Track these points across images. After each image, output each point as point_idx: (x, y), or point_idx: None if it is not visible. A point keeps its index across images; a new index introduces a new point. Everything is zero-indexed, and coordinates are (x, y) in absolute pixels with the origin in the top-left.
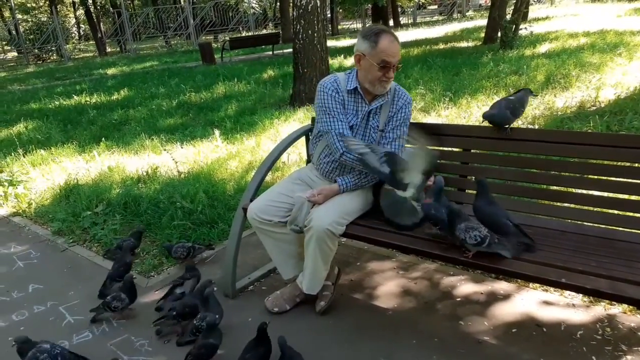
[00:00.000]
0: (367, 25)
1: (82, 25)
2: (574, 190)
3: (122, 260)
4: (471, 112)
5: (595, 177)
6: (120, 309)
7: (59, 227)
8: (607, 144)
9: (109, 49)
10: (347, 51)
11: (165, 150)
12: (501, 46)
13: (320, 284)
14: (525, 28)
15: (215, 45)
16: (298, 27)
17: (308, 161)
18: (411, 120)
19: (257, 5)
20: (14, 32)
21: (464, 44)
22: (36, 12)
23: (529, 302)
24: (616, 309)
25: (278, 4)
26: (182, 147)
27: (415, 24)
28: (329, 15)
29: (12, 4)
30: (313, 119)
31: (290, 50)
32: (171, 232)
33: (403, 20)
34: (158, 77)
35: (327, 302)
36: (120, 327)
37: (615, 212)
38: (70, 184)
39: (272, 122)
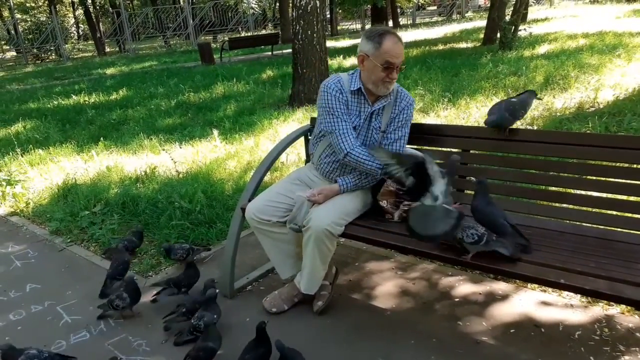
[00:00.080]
0: (370, 26)
1: (81, 25)
2: (572, 191)
3: (121, 259)
4: (470, 112)
5: (594, 178)
6: (122, 307)
7: (56, 227)
8: (605, 145)
9: (108, 49)
10: (347, 52)
11: (163, 150)
12: (500, 47)
13: (318, 284)
14: (525, 29)
15: (215, 46)
16: (297, 28)
17: (307, 161)
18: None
19: (256, 6)
20: (12, 31)
21: (463, 45)
22: (35, 11)
23: (528, 302)
24: (614, 310)
25: (277, 4)
26: (180, 147)
27: (414, 25)
28: (328, 16)
29: (11, 4)
30: (312, 119)
31: (290, 50)
32: (169, 232)
33: (402, 21)
34: (157, 77)
35: (324, 302)
36: (118, 327)
37: (614, 213)
38: (69, 183)
39: (271, 123)
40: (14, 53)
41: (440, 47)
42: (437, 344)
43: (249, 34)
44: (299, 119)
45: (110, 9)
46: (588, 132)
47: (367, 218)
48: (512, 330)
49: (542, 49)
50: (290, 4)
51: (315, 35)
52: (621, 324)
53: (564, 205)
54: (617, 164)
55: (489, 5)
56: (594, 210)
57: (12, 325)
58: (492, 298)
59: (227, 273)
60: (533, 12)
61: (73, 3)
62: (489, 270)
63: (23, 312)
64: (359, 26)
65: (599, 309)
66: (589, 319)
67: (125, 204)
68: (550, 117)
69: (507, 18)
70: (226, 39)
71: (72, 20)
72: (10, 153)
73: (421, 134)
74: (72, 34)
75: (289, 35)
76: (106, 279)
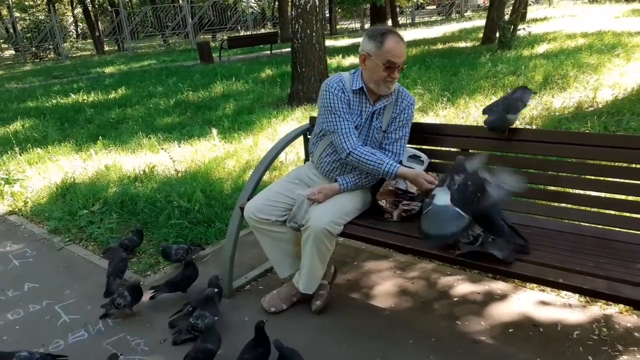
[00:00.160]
0: (371, 26)
1: (80, 24)
2: (571, 190)
3: (119, 257)
4: (469, 112)
5: (593, 177)
6: (123, 306)
7: (55, 226)
8: (604, 144)
9: (106, 48)
10: (346, 51)
11: (162, 149)
12: (499, 46)
13: (317, 283)
14: (524, 29)
15: (214, 45)
16: (296, 27)
17: (306, 160)
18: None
19: (255, 5)
20: (11, 30)
21: (462, 44)
22: (34, 10)
23: (526, 302)
24: (612, 309)
25: (276, 3)
26: (179, 146)
27: (413, 24)
28: (327, 15)
29: (10, 2)
30: (311, 119)
31: (289, 49)
32: (168, 231)
33: (401, 20)
34: (156, 76)
35: (323, 302)
36: (116, 327)
37: (613, 212)
38: (67, 182)
39: (270, 122)
40: (13, 52)
41: (439, 46)
42: (436, 343)
43: (248, 33)
44: (298, 118)
45: (109, 7)
46: (587, 131)
47: (366, 217)
48: (510, 330)
49: (541, 48)
50: (290, 3)
51: (314, 34)
52: (619, 324)
53: (563, 204)
54: (616, 164)
55: (488, 4)
56: (592, 209)
57: (10, 325)
58: (491, 298)
59: (226, 272)
60: (532, 11)
61: (72, 1)
62: (488, 270)
63: (21, 312)
64: (358, 25)
65: (598, 309)
66: (588, 318)
67: (123, 203)
68: (549, 117)
69: (506, 17)
70: (225, 37)
71: (71, 19)
72: (9, 152)
73: (420, 133)
74: (71, 33)
75: (288, 34)
76: (108, 278)
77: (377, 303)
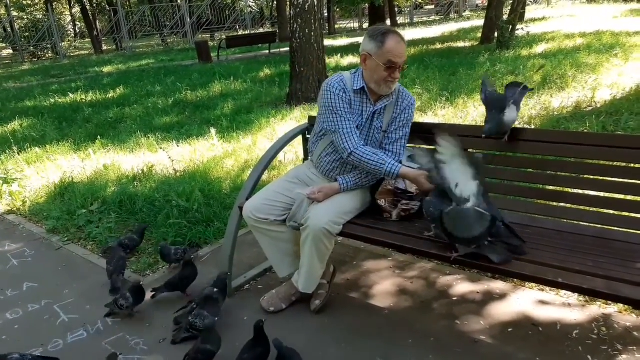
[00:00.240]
0: (370, 25)
1: (78, 23)
2: (570, 190)
3: (118, 255)
4: (468, 112)
5: (592, 177)
6: (126, 307)
7: (53, 225)
8: (603, 144)
9: (105, 47)
10: (344, 50)
11: (161, 148)
12: (498, 46)
13: (316, 282)
14: (522, 28)
15: (212, 44)
16: (295, 26)
17: (305, 159)
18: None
19: (254, 4)
20: (9, 29)
21: (460, 44)
22: (32, 9)
23: (525, 301)
24: (612, 309)
25: (275, 2)
26: (178, 146)
27: (412, 24)
28: (326, 15)
29: (8, 1)
30: (310, 118)
31: (287, 49)
32: (167, 231)
33: (400, 20)
34: (154, 75)
35: (322, 301)
36: (115, 326)
37: (612, 212)
38: (66, 182)
39: (268, 121)
40: (11, 51)
41: (438, 46)
42: (435, 343)
43: (247, 32)
44: (297, 117)
45: (107, 6)
46: (585, 131)
47: (365, 217)
48: (510, 329)
49: (539, 48)
50: (288, 3)
51: (313, 33)
52: (619, 323)
53: (562, 204)
54: (615, 163)
55: (486, 4)
56: (591, 209)
57: (9, 324)
58: (490, 297)
59: (225, 272)
60: (530, 11)
61: (70, 1)
62: (487, 270)
63: (20, 311)
64: (356, 25)
65: (597, 308)
66: (587, 318)
67: (122, 202)
68: (548, 117)
69: (505, 17)
70: (223, 37)
71: (69, 18)
72: (7, 151)
73: (419, 132)
74: (69, 32)
75: (287, 33)
76: (112, 276)
77: (376, 302)
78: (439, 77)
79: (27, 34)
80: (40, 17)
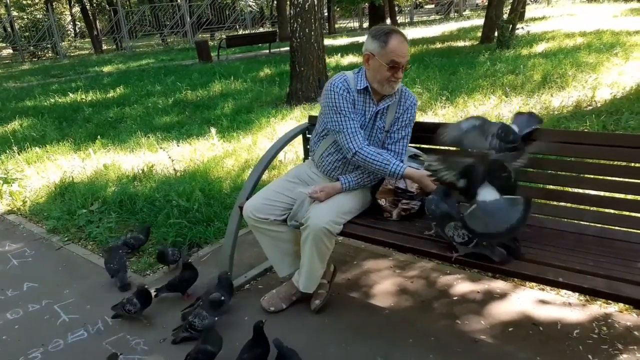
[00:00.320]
0: (372, 25)
1: (78, 23)
2: (570, 189)
3: (117, 254)
4: (468, 111)
5: (592, 176)
6: (134, 312)
7: (54, 225)
8: (603, 143)
9: (105, 47)
10: (344, 50)
11: (161, 148)
12: (498, 46)
13: (317, 282)
14: (522, 28)
15: (212, 44)
16: (295, 26)
17: (305, 158)
18: None
19: (254, 4)
20: (9, 29)
21: (460, 44)
22: (32, 9)
23: (526, 301)
24: (612, 308)
25: (275, 2)
26: (178, 145)
27: (412, 23)
28: (326, 14)
29: (8, 1)
30: (310, 117)
31: (287, 48)
32: (167, 231)
33: (400, 19)
34: (154, 75)
35: (322, 301)
36: (116, 326)
37: (612, 211)
38: (66, 181)
39: (268, 121)
40: (11, 51)
41: (438, 45)
42: (436, 342)
43: (247, 32)
44: (297, 117)
45: (107, 6)
46: (586, 130)
47: (366, 216)
48: (510, 329)
49: (539, 47)
50: (288, 2)
51: (313, 33)
52: (619, 322)
53: (562, 203)
54: (615, 163)
55: (486, 3)
56: (592, 208)
57: (9, 324)
58: (491, 296)
59: (225, 272)
60: (530, 10)
61: (70, 0)
62: (488, 269)
63: (20, 311)
64: (356, 24)
65: (597, 308)
66: (587, 317)
67: (122, 202)
68: (548, 116)
69: (505, 16)
70: (223, 36)
71: (69, 18)
72: (7, 151)
73: (419, 132)
74: (69, 32)
75: (287, 33)
76: (118, 274)
77: (377, 302)
78: (439, 76)
79: (27, 33)
80: (40, 16)
